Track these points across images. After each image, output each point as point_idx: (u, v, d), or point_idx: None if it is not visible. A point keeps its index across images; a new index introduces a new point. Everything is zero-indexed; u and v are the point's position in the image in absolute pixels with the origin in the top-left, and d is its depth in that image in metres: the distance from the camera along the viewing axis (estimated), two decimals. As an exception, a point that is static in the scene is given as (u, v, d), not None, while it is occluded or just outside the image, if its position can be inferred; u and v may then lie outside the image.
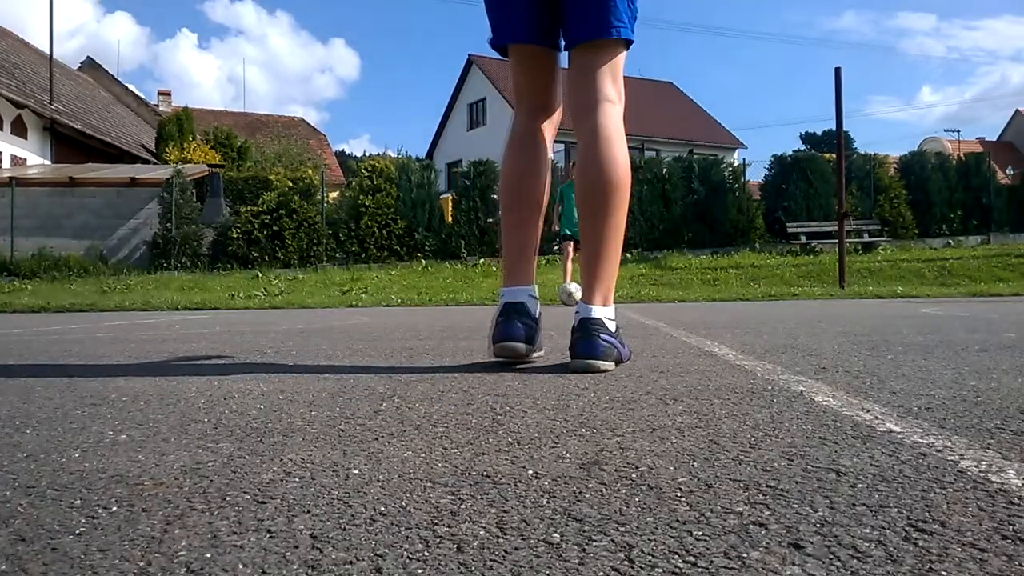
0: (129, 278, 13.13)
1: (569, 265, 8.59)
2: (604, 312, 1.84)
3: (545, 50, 2.00)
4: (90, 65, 29.71)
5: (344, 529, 0.67)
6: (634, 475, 0.84)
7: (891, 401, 1.32)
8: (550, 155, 2.12)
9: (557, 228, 8.82)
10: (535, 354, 2.03)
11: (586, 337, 1.80)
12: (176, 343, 3.13)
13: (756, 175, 20.77)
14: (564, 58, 2.04)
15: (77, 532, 0.67)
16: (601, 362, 1.79)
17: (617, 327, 1.90)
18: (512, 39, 1.99)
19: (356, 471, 0.88)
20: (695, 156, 17.98)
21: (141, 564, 0.59)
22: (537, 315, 1.99)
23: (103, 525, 0.69)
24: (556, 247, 16.01)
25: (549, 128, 2.10)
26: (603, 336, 1.80)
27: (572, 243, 8.59)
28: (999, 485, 0.78)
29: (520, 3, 1.94)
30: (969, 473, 0.82)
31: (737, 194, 17.48)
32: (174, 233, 14.80)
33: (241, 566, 0.59)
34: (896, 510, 0.70)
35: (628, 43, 1.92)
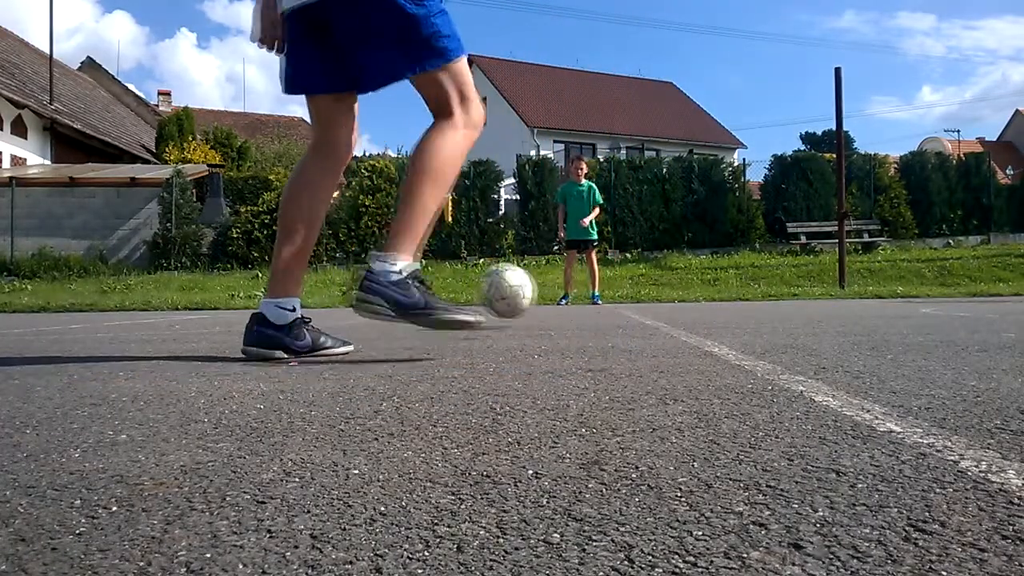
0: (129, 278, 13.13)
1: (572, 272, 8.56)
2: (385, 264, 2.04)
3: (330, 97, 2.22)
4: (90, 65, 29.70)
5: (344, 529, 0.67)
6: (634, 475, 0.84)
7: (891, 401, 1.32)
8: (329, 187, 2.31)
9: (563, 234, 8.76)
10: (319, 352, 2.30)
11: (360, 281, 2.04)
12: (176, 343, 3.12)
13: (756, 175, 20.77)
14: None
15: (77, 532, 0.67)
16: (367, 304, 2.00)
17: (411, 277, 2.05)
18: (297, 92, 2.21)
19: (356, 471, 0.88)
20: (695, 156, 17.98)
21: (141, 564, 0.59)
22: (286, 323, 2.24)
23: (103, 525, 0.69)
24: (556, 247, 16.04)
25: (335, 161, 2.31)
26: (368, 277, 2.04)
27: (576, 249, 8.56)
28: (999, 485, 0.78)
29: (311, 58, 2.13)
30: (969, 473, 0.82)
31: (737, 194, 17.48)
32: (174, 233, 14.80)
33: (241, 566, 0.59)
34: (896, 510, 0.70)
35: (444, 63, 2.04)
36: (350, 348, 2.38)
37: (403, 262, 2.05)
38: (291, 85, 2.18)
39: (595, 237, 8.62)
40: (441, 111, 2.08)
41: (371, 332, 3.68)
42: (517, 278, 2.98)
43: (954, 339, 2.68)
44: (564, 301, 8.57)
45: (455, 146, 2.08)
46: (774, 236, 17.15)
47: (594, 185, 8.71)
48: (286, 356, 2.21)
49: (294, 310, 2.23)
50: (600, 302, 8.63)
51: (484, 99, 31.02)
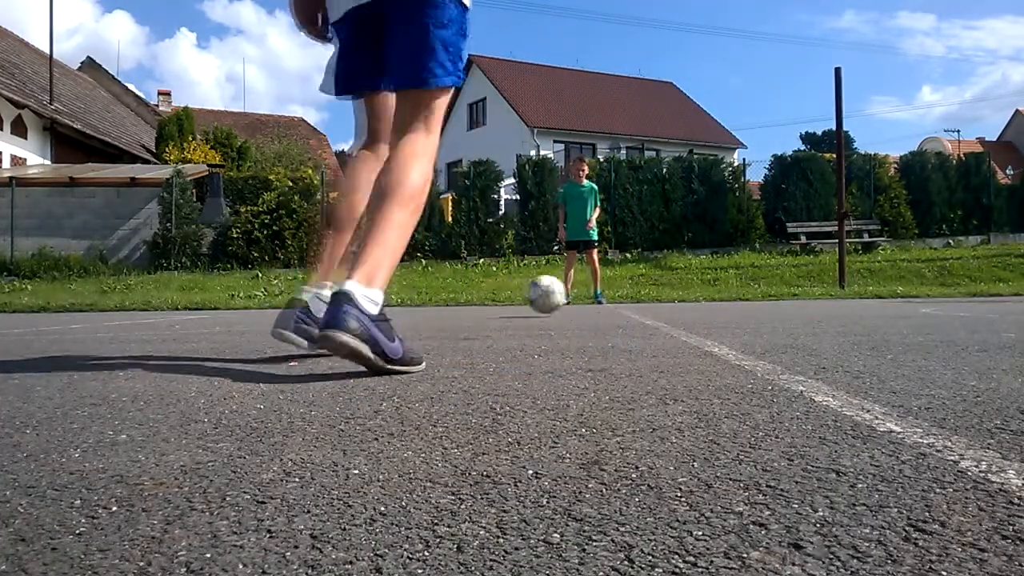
0: (129, 278, 13.12)
1: (572, 273, 8.54)
2: (363, 290, 1.72)
3: (374, 92, 2.23)
4: (90, 65, 29.70)
5: (344, 529, 0.67)
6: (634, 475, 0.84)
7: (891, 401, 1.32)
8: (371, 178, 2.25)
9: (563, 235, 8.76)
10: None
11: (332, 306, 1.68)
12: (176, 343, 3.12)
13: (756, 175, 20.78)
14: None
15: (77, 532, 0.67)
16: (341, 333, 1.63)
17: (384, 316, 1.75)
18: (349, 94, 2.22)
19: (356, 471, 0.88)
20: (695, 156, 17.97)
21: (141, 564, 0.59)
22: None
23: (103, 525, 0.69)
24: (556, 247, 16.04)
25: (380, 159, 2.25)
26: (347, 307, 1.66)
27: (576, 249, 8.56)
28: (999, 485, 0.78)
29: (360, 57, 2.11)
30: (969, 473, 0.82)
31: (737, 194, 17.48)
32: (174, 233, 14.79)
33: (241, 566, 0.59)
34: (896, 510, 0.70)
35: (443, 88, 2.03)
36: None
37: (381, 295, 1.80)
38: (339, 87, 2.16)
39: (596, 238, 8.62)
40: (407, 128, 2.02)
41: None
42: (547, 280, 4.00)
43: (954, 339, 2.68)
44: (600, 299, 8.61)
45: (426, 166, 2.00)
46: (774, 236, 17.15)
47: (595, 186, 8.72)
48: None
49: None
50: (604, 301, 8.64)
51: (484, 99, 31.25)
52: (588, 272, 8.76)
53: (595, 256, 8.57)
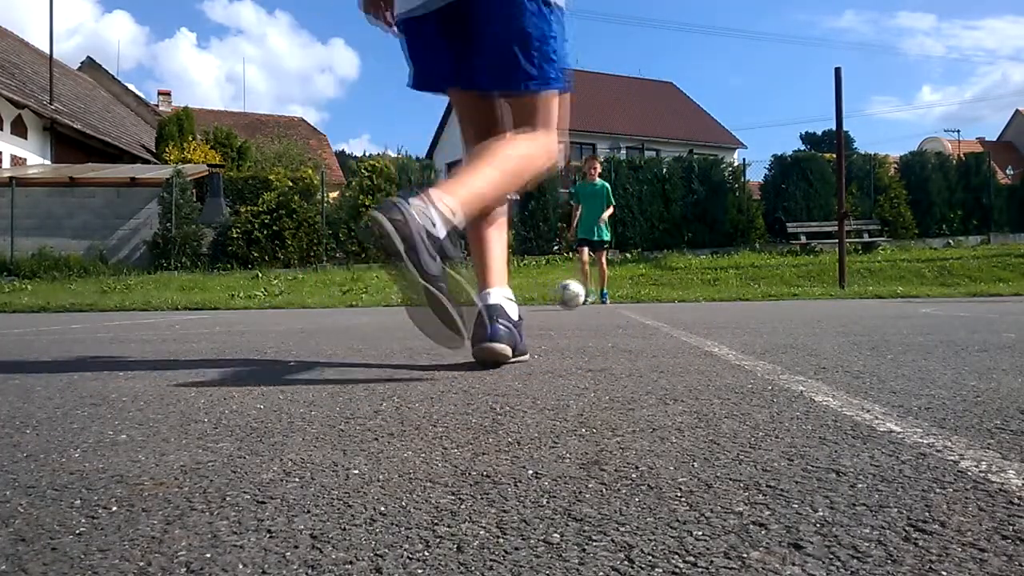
0: (129, 278, 13.12)
1: (587, 269, 8.53)
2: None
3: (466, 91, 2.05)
4: (90, 65, 29.71)
5: (344, 529, 0.67)
6: (634, 475, 0.84)
7: (891, 401, 1.32)
8: None
9: (573, 236, 8.74)
10: (521, 357, 2.02)
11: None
12: (176, 343, 3.12)
13: (756, 175, 20.79)
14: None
15: (77, 532, 0.67)
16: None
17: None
18: (428, 88, 2.06)
19: (356, 471, 0.88)
20: (695, 156, 17.98)
21: (141, 564, 0.59)
22: (514, 317, 1.96)
23: (103, 525, 0.69)
24: (556, 247, 16.06)
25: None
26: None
27: (588, 247, 8.53)
28: (999, 485, 0.78)
29: (439, 53, 1.96)
30: (969, 473, 0.82)
31: (737, 194, 17.48)
32: (174, 233, 14.80)
33: (241, 566, 0.59)
34: (896, 510, 0.70)
35: (534, 93, 1.90)
36: None
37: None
38: (418, 82, 2.04)
39: (608, 238, 8.60)
40: (521, 130, 1.94)
41: (371, 331, 3.68)
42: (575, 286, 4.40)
43: (954, 339, 2.68)
44: (605, 299, 8.63)
45: (535, 157, 1.91)
46: (774, 236, 17.15)
47: (608, 184, 8.71)
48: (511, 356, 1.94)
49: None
50: (608, 301, 8.66)
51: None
52: (595, 272, 8.75)
53: (604, 256, 8.57)
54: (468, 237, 2.07)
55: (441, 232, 1.56)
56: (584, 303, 8.24)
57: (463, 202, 1.65)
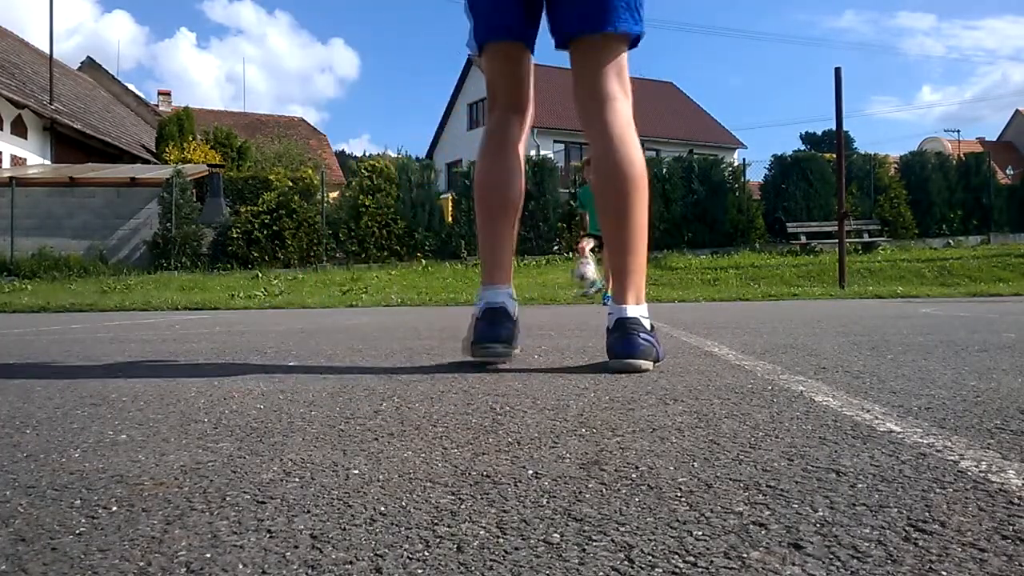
0: (129, 278, 13.13)
1: (590, 256, 8.39)
2: (639, 311, 1.82)
3: (521, 47, 1.95)
4: (90, 65, 29.71)
5: (344, 529, 0.67)
6: (634, 475, 0.84)
7: (891, 401, 1.32)
8: (523, 156, 2.08)
9: (583, 245, 8.66)
10: (514, 352, 2.02)
11: (624, 336, 1.77)
12: (176, 343, 3.12)
13: (756, 175, 20.81)
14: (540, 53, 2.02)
15: (77, 532, 0.67)
16: (641, 361, 1.76)
17: (652, 326, 1.86)
18: (494, 37, 1.92)
19: (356, 471, 0.88)
20: (695, 156, 17.98)
21: (141, 564, 0.59)
22: (516, 316, 1.97)
23: (103, 525, 0.69)
24: (555, 247, 16.05)
25: (523, 128, 2.06)
26: (642, 335, 1.78)
27: (595, 241, 8.42)
28: (999, 485, 0.78)
29: (501, 1, 1.88)
30: (969, 473, 0.82)
31: (737, 194, 17.48)
32: (174, 233, 14.80)
33: (241, 566, 0.59)
34: (896, 510, 0.70)
35: (631, 37, 1.83)
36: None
37: (647, 310, 1.87)
38: (486, 31, 1.92)
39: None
40: (613, 85, 1.84)
41: (371, 332, 3.68)
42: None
43: (954, 339, 2.68)
44: (607, 300, 8.54)
45: (630, 124, 1.85)
46: (774, 236, 17.15)
47: None
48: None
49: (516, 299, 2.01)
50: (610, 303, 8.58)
51: (484, 99, 31.19)
52: (602, 269, 8.71)
53: (587, 247, 8.49)
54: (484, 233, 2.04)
55: (649, 326, 1.83)
56: (589, 292, 8.22)
57: (643, 294, 1.87)
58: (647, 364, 1.78)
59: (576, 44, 1.86)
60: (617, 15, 1.78)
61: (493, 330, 1.87)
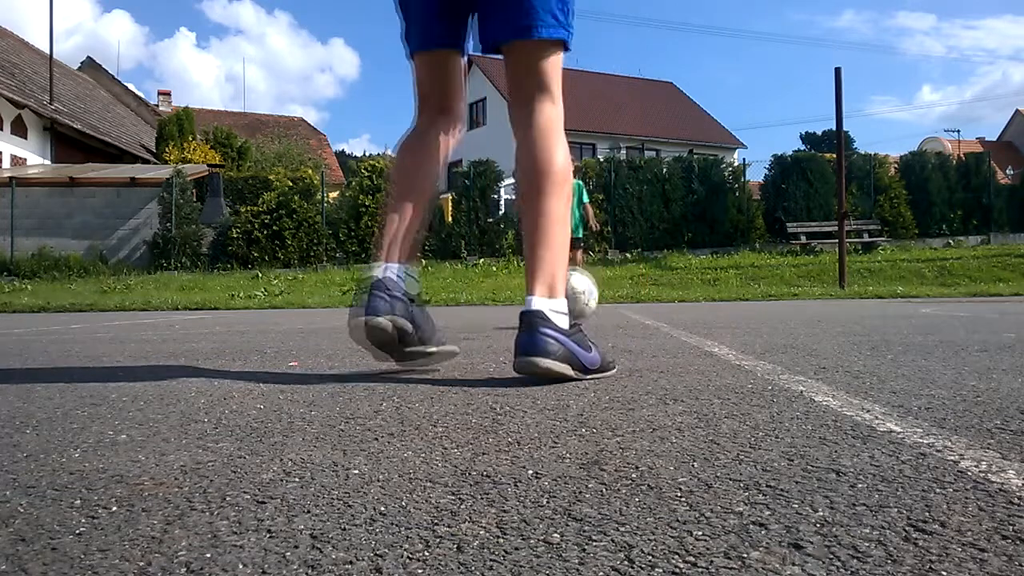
0: (129, 278, 13.13)
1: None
2: (548, 304, 1.67)
3: (449, 53, 1.95)
4: (90, 65, 29.72)
5: (344, 529, 0.67)
6: (634, 475, 0.84)
7: (891, 401, 1.32)
8: (448, 155, 2.06)
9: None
10: (429, 349, 1.84)
11: (526, 331, 1.62)
12: (176, 343, 3.12)
13: (756, 175, 20.80)
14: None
15: (77, 532, 0.67)
16: (540, 359, 1.59)
17: (575, 326, 1.71)
18: (423, 46, 1.94)
19: (356, 471, 0.88)
20: (695, 156, 17.98)
21: (141, 564, 0.59)
22: (402, 293, 1.77)
23: (103, 525, 0.69)
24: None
25: (452, 128, 2.03)
26: (546, 331, 1.62)
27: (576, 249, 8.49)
28: (999, 485, 0.78)
29: (429, 9, 1.90)
30: (969, 473, 0.82)
31: (737, 194, 17.49)
32: (174, 233, 14.80)
33: (241, 566, 0.59)
34: (896, 510, 0.70)
35: (560, 42, 1.84)
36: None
37: (565, 303, 1.73)
38: (416, 42, 1.93)
39: (579, 235, 8.53)
40: (532, 92, 1.85)
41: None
42: (582, 284, 2.91)
43: (954, 339, 2.68)
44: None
45: (561, 140, 1.85)
46: (774, 236, 17.16)
47: (580, 182, 8.68)
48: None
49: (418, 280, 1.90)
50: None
51: (484, 99, 31.23)
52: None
53: (579, 256, 8.51)
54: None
55: (566, 324, 1.66)
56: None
57: (560, 289, 1.72)
58: (551, 363, 1.59)
59: (506, 49, 1.88)
60: (542, 22, 1.79)
61: (371, 303, 1.72)
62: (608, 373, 1.76)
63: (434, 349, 1.85)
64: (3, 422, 1.24)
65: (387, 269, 1.80)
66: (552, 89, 1.86)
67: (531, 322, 1.63)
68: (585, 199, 8.57)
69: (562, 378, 1.62)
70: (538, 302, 1.66)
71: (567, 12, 1.82)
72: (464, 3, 1.90)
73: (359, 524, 0.68)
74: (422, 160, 1.97)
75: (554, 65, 1.85)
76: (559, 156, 1.82)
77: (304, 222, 15.47)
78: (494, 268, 14.75)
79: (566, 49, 1.87)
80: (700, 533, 0.64)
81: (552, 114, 1.85)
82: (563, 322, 1.66)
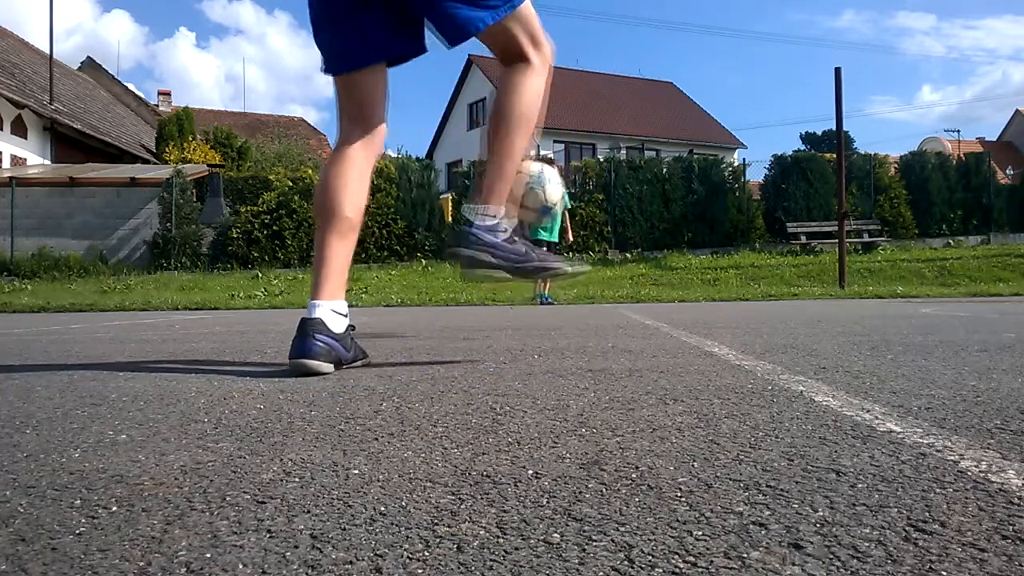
0: (129, 278, 13.13)
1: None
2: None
3: (371, 69, 2.00)
4: (90, 65, 29.71)
5: (344, 529, 0.67)
6: (634, 475, 0.84)
7: (891, 401, 1.32)
8: (372, 168, 2.12)
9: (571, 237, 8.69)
10: (353, 364, 1.98)
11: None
12: (176, 343, 3.12)
13: (756, 175, 20.80)
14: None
15: (77, 532, 0.67)
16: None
17: (350, 328, 1.95)
18: (340, 70, 1.99)
19: (356, 471, 0.88)
20: (695, 156, 17.98)
21: (141, 564, 0.59)
22: (342, 330, 1.90)
23: (103, 525, 0.69)
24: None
25: (374, 141, 2.07)
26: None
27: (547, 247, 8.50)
28: (999, 485, 0.78)
29: (367, 28, 1.92)
30: (969, 473, 0.82)
31: (737, 194, 17.49)
32: (174, 233, 14.80)
33: (241, 566, 0.59)
34: (896, 510, 0.70)
35: (506, 15, 1.89)
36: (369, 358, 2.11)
37: (503, 214, 1.99)
38: (342, 61, 1.97)
39: (544, 237, 8.49)
40: (514, 59, 1.98)
41: (370, 331, 3.68)
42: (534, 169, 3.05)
43: (954, 339, 2.68)
44: (547, 300, 8.61)
45: (537, 90, 2.00)
46: (774, 236, 17.16)
47: None
48: (333, 370, 1.88)
49: (346, 315, 1.96)
50: (554, 302, 8.67)
51: (484, 99, 31.21)
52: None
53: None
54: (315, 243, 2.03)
55: (504, 235, 1.98)
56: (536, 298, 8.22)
57: (500, 199, 1.99)
58: (483, 264, 1.95)
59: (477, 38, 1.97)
60: (487, 10, 1.87)
61: (306, 345, 1.84)
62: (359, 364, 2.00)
63: (359, 363, 2.02)
64: (3, 422, 1.24)
65: (316, 307, 1.90)
66: (533, 42, 1.97)
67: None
68: (568, 204, 8.57)
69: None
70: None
71: None
72: (411, 16, 1.95)
73: (359, 524, 0.68)
74: (342, 181, 2.03)
75: (524, 23, 1.94)
76: (530, 97, 1.97)
77: (304, 222, 15.46)
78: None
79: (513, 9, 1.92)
80: (700, 533, 0.64)
81: (532, 75, 1.98)
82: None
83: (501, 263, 1.95)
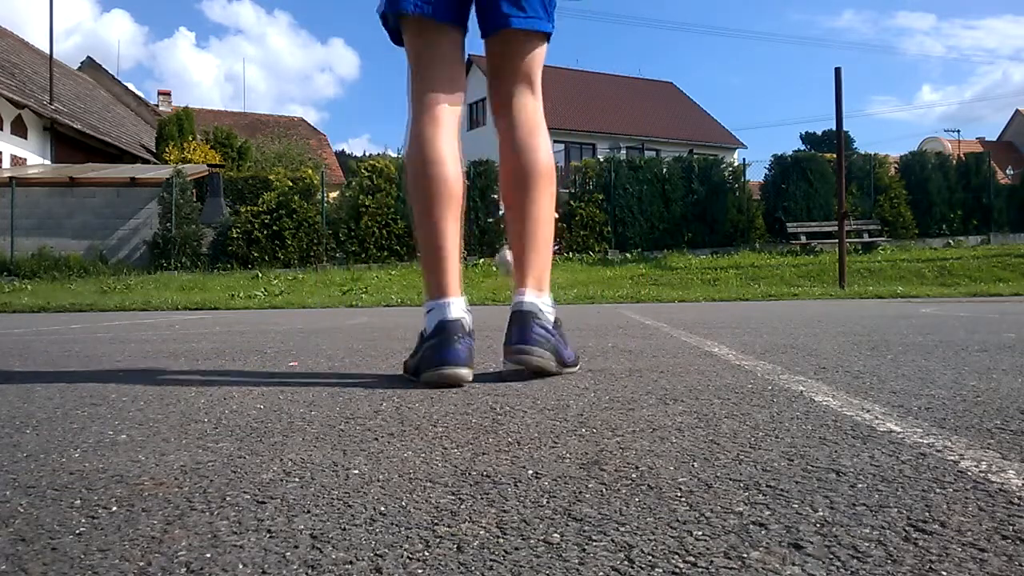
0: (129, 278, 13.13)
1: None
2: (538, 300, 1.72)
3: (458, 29, 1.81)
4: (90, 65, 29.71)
5: (344, 529, 0.67)
6: (634, 475, 0.84)
7: (891, 401, 1.32)
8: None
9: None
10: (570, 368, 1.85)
11: (518, 326, 1.66)
12: (176, 343, 3.12)
13: (756, 175, 20.81)
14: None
15: (77, 532, 0.67)
16: (535, 356, 1.64)
17: (557, 320, 1.76)
18: (431, 12, 1.73)
19: (356, 471, 0.88)
20: (695, 156, 17.98)
21: (141, 564, 0.59)
22: (471, 329, 1.70)
23: (103, 525, 0.69)
24: (555, 247, 16.05)
25: (457, 115, 1.90)
26: (537, 325, 1.67)
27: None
28: (999, 485, 0.78)
29: None
30: (969, 473, 0.82)
31: (737, 194, 17.49)
32: (174, 233, 14.80)
33: (241, 566, 0.59)
34: (896, 510, 0.70)
35: (544, 35, 1.82)
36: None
37: (551, 298, 1.77)
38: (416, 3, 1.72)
39: None
40: (524, 81, 1.82)
41: (371, 332, 3.68)
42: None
43: (954, 339, 2.68)
44: None
45: (547, 135, 1.84)
46: (774, 236, 17.16)
47: None
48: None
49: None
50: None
51: (484, 99, 31.18)
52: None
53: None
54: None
55: (552, 319, 1.75)
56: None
57: (547, 285, 1.80)
58: (543, 357, 1.65)
59: (496, 39, 1.82)
60: (535, 14, 1.77)
61: (451, 351, 1.60)
62: (575, 369, 1.85)
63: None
64: (3, 422, 1.24)
65: (454, 306, 1.70)
66: (535, 82, 1.85)
67: (524, 317, 1.68)
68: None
69: (545, 372, 1.69)
70: (531, 298, 1.72)
71: (553, 6, 1.81)
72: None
73: (359, 524, 0.68)
74: (450, 148, 1.84)
75: (539, 58, 1.85)
76: (544, 154, 1.82)
77: (304, 222, 15.46)
78: (494, 268, 14.74)
79: (547, 41, 1.86)
80: (700, 533, 0.64)
81: (535, 107, 1.84)
82: (551, 317, 1.74)
83: (557, 368, 1.74)
